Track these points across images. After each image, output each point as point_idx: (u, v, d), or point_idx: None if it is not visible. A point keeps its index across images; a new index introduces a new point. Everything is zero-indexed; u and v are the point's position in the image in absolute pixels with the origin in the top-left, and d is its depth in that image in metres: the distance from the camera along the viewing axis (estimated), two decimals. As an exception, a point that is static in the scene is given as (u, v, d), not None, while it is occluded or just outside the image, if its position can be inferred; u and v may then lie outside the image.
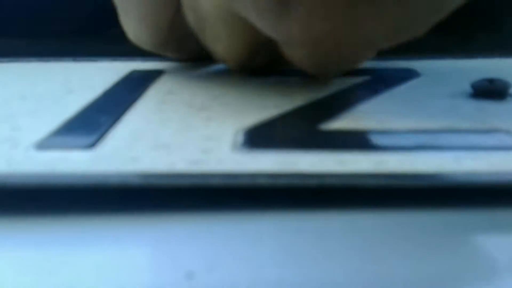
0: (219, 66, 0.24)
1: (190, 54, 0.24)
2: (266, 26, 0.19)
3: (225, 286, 0.12)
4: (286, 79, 0.22)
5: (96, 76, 0.23)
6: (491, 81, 0.20)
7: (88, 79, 0.23)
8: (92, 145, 0.17)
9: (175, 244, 0.14)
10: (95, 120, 0.19)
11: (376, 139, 0.17)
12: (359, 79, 0.23)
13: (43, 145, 0.17)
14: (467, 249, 0.14)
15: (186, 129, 0.18)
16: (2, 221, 0.14)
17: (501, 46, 0.26)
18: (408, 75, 0.23)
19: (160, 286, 0.12)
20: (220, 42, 0.21)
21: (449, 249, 0.14)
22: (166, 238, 0.14)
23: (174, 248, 0.14)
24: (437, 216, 0.14)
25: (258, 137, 0.17)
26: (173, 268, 0.13)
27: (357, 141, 0.17)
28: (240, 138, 0.17)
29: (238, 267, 0.13)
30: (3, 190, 0.15)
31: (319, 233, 0.14)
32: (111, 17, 0.26)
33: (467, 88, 0.21)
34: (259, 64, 0.22)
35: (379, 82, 0.22)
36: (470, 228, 0.14)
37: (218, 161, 0.16)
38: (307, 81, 0.22)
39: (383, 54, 0.25)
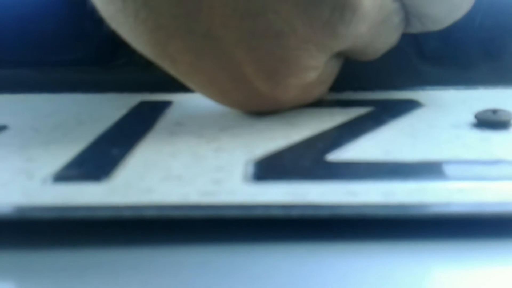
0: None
1: None
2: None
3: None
4: (293, 111, 0.23)
5: (106, 108, 0.24)
6: (494, 111, 0.21)
7: (98, 110, 0.24)
8: (105, 177, 0.17)
9: (189, 277, 0.14)
10: (107, 152, 0.19)
11: (383, 170, 0.18)
12: (363, 110, 0.23)
13: (57, 177, 0.17)
14: (473, 280, 0.14)
15: (197, 160, 0.18)
16: (19, 253, 0.15)
17: (503, 76, 0.26)
18: (411, 106, 0.24)
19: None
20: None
21: (455, 281, 0.14)
22: (179, 271, 0.14)
23: (188, 281, 0.14)
24: (443, 246, 0.15)
25: (268, 168, 0.18)
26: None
27: (364, 172, 0.17)
28: (250, 169, 0.17)
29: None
30: (19, 222, 0.15)
31: (331, 264, 0.14)
32: (117, 47, 0.27)
33: (470, 118, 0.21)
34: None
35: (383, 113, 0.23)
36: (475, 259, 0.15)
37: (230, 192, 0.16)
38: (313, 112, 0.23)
39: (385, 86, 0.26)
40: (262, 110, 0.22)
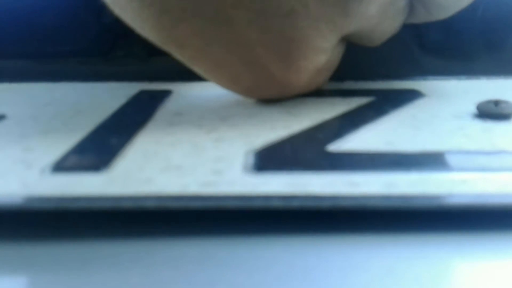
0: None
1: None
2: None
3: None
4: (293, 100, 0.23)
5: (105, 97, 0.24)
6: (496, 103, 0.21)
7: (97, 100, 0.23)
8: (104, 167, 0.17)
9: (189, 268, 0.14)
10: (106, 141, 0.19)
11: (384, 161, 0.17)
12: (364, 100, 0.23)
13: (56, 167, 0.17)
14: (477, 271, 0.14)
15: (197, 151, 0.18)
16: (17, 244, 0.15)
17: (505, 67, 0.26)
18: (413, 96, 0.23)
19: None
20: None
21: (457, 273, 0.14)
22: (179, 261, 0.14)
23: (187, 272, 0.14)
24: (445, 237, 0.15)
25: (268, 159, 0.18)
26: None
27: (366, 162, 0.17)
28: (251, 159, 0.17)
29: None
30: (17, 213, 0.15)
31: (332, 256, 0.14)
32: (117, 38, 0.27)
33: (472, 109, 0.21)
34: None
35: (384, 103, 0.22)
36: (478, 251, 0.14)
37: (230, 183, 0.16)
38: (314, 101, 0.23)
39: (387, 76, 0.26)
40: (272, 96, 0.22)
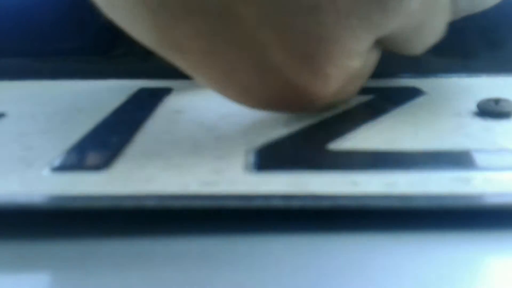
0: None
1: None
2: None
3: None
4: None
5: (105, 95, 0.24)
6: (496, 101, 0.21)
7: (97, 98, 0.23)
8: (105, 166, 0.17)
9: (189, 267, 0.14)
10: (106, 140, 0.19)
11: (385, 160, 0.17)
12: (364, 98, 0.23)
13: (55, 166, 0.17)
14: (477, 271, 0.14)
15: (197, 149, 0.18)
16: (17, 243, 0.15)
17: (505, 65, 0.26)
18: (413, 94, 0.23)
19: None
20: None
21: (459, 272, 0.14)
22: (179, 261, 0.14)
23: (188, 271, 0.14)
24: (448, 237, 0.15)
25: (269, 158, 0.18)
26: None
27: (366, 161, 0.17)
28: (251, 158, 0.17)
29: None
30: (17, 212, 0.15)
31: (332, 255, 0.14)
32: (116, 36, 0.27)
33: (472, 107, 0.21)
34: None
35: (385, 101, 0.22)
36: (480, 250, 0.14)
37: (230, 182, 0.16)
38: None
39: (387, 74, 0.26)
40: (292, 111, 0.19)
